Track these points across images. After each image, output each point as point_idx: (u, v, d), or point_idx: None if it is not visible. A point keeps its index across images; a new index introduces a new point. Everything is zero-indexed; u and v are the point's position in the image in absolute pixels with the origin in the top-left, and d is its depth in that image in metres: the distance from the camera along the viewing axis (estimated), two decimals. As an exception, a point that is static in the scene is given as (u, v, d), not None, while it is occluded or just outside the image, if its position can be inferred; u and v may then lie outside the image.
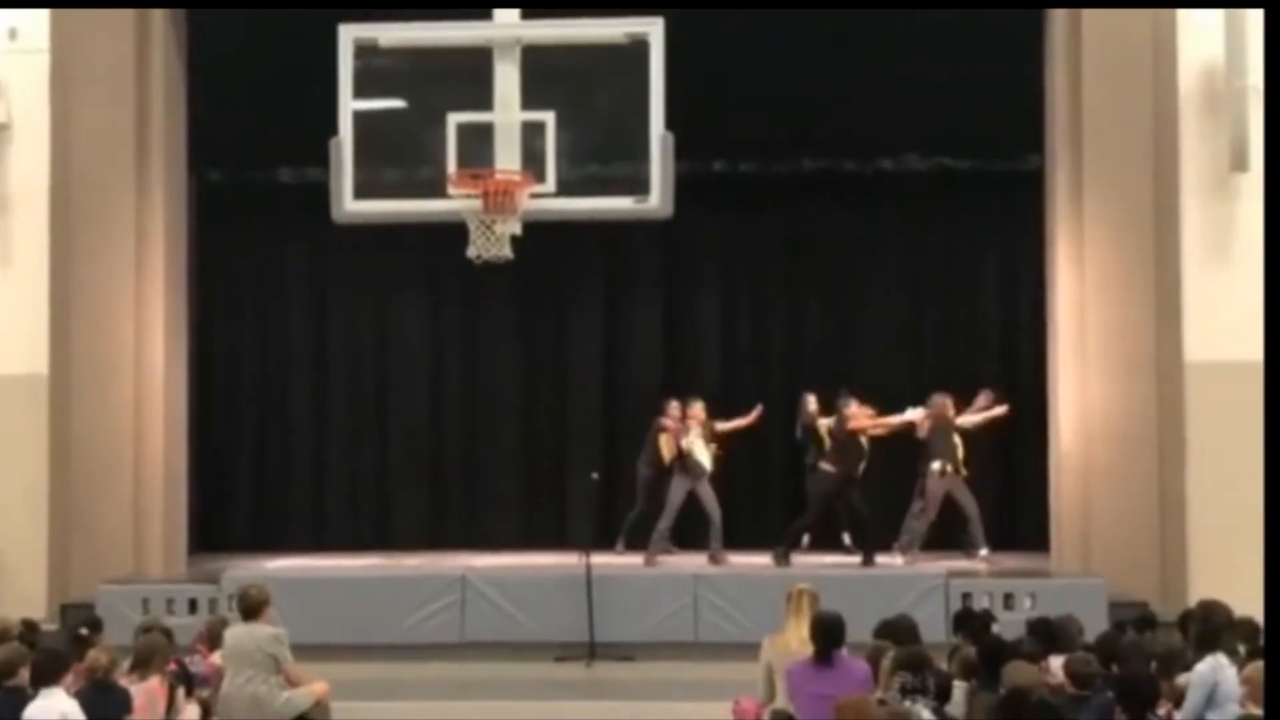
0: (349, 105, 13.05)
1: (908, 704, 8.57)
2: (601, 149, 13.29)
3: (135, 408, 15.95)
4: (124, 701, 10.25)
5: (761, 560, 16.15)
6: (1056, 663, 10.18)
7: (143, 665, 11.02)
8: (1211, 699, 9.20)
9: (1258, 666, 8.36)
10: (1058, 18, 15.88)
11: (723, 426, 16.92)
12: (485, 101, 13.02)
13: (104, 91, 15.93)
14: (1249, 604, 10.26)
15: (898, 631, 10.41)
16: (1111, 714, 8.66)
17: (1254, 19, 15.37)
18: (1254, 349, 15.11)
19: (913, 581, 14.84)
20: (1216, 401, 15.46)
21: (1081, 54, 15.67)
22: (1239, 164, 15.42)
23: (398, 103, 13.34)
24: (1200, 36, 15.65)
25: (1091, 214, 15.65)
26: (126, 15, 15.99)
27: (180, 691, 11.25)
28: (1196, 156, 15.73)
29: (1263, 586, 9.66)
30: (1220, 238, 15.73)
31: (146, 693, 10.76)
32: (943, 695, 8.95)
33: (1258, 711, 7.60)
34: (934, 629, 12.76)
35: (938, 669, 9.28)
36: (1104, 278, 15.61)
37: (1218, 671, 9.30)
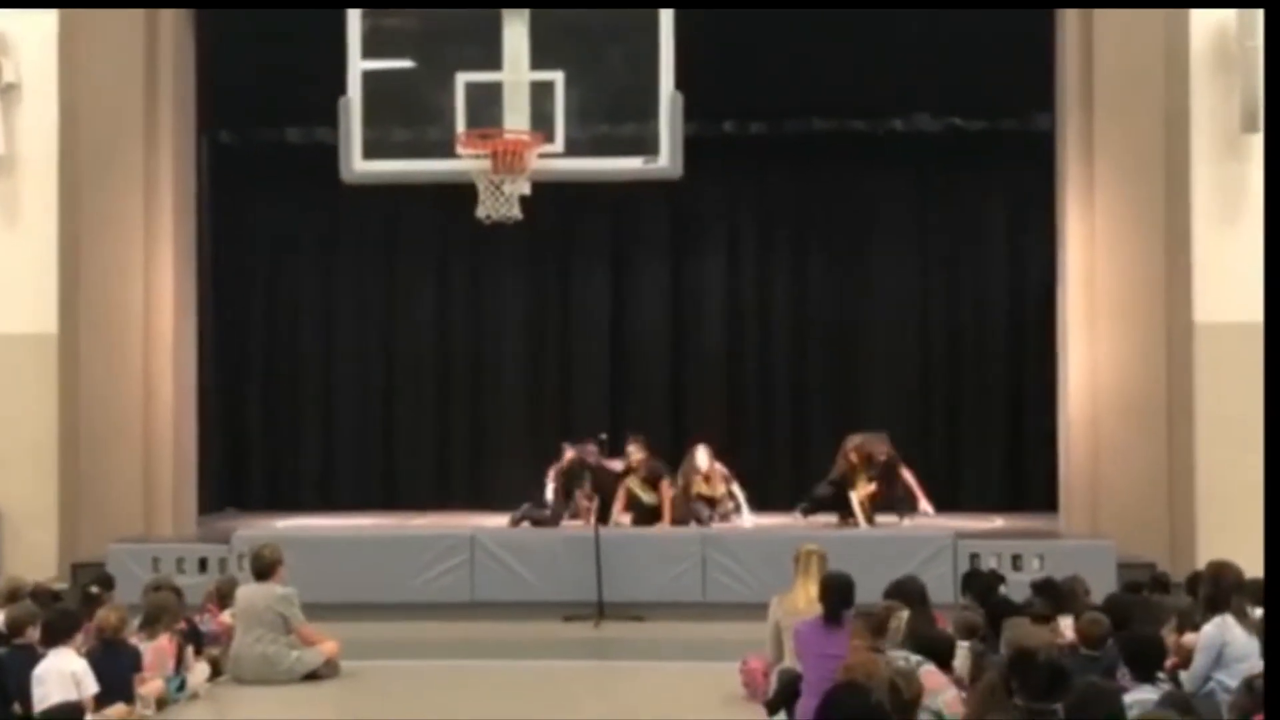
0: (358, 65, 13.07)
1: (890, 653, 8.60)
2: (611, 109, 13.30)
3: (145, 367, 15.98)
4: (134, 660, 10.33)
5: (768, 521, 16.22)
6: (1065, 623, 10.20)
7: (152, 624, 11.10)
8: (1220, 659, 9.21)
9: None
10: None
11: None
12: (494, 61, 13.02)
13: (113, 51, 15.90)
14: (1259, 565, 10.25)
15: (906, 593, 10.42)
16: (1115, 674, 8.68)
17: (1267, -21, 15.30)
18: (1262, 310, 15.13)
19: (921, 542, 14.85)
20: (1226, 362, 15.43)
21: (1093, 14, 15.61)
22: (1250, 125, 15.35)
23: (407, 63, 13.35)
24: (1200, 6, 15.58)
25: (1102, 174, 15.61)
26: (136, -24, 15.98)
27: (189, 650, 11.33)
28: (1207, 117, 15.67)
29: (1263, 569, 9.63)
30: (1231, 199, 15.68)
31: (156, 651, 10.83)
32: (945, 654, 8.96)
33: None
34: (942, 590, 12.78)
35: (923, 617, 9.35)
36: (1114, 238, 15.57)
37: (1225, 632, 9.31)
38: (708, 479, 16.41)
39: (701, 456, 16.46)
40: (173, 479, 16.16)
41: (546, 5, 13.06)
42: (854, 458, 15.95)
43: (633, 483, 16.38)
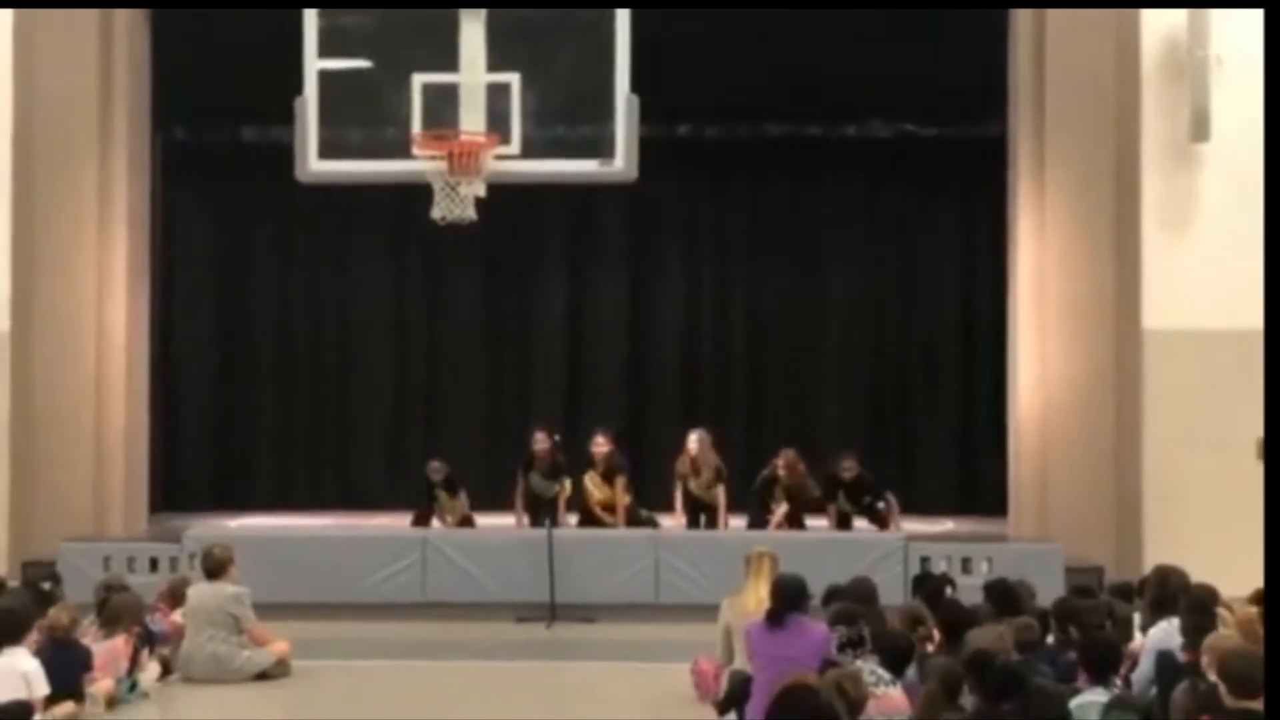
0: (314, 65, 13.03)
1: (857, 663, 8.65)
2: (567, 111, 13.30)
3: (97, 366, 15.92)
4: (84, 659, 10.29)
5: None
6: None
7: (111, 623, 11.07)
8: (1166, 662, 9.28)
9: (1223, 636, 8.41)
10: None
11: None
12: (451, 62, 13.01)
13: (67, 50, 15.82)
14: (1203, 569, 10.37)
15: (857, 594, 10.49)
16: (1073, 676, 8.76)
17: (1215, -9, 15.47)
18: (1211, 317, 15.36)
19: (872, 545, 14.96)
20: (1174, 369, 15.59)
21: (1045, 22, 15.74)
22: (1199, 134, 15.51)
23: (363, 63, 13.32)
24: (1163, 6, 15.70)
25: (1053, 182, 15.74)
26: (91, -27, 15.92)
27: (145, 651, 11.31)
28: (1157, 126, 15.81)
29: (1263, 583, 9.72)
30: (1180, 207, 15.82)
31: (109, 651, 10.80)
32: (883, 645, 9.00)
33: (1212, 679, 7.65)
34: (893, 592, 12.85)
35: (874, 617, 9.40)
36: (1064, 245, 15.70)
37: (1171, 637, 9.38)
38: (695, 467, 16.17)
39: (690, 440, 16.29)
40: (124, 477, 16.11)
41: (502, 5, 13.07)
42: (781, 472, 16.13)
43: (591, 483, 16.39)
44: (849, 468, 16.25)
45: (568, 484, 16.33)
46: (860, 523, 16.29)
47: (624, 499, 16.23)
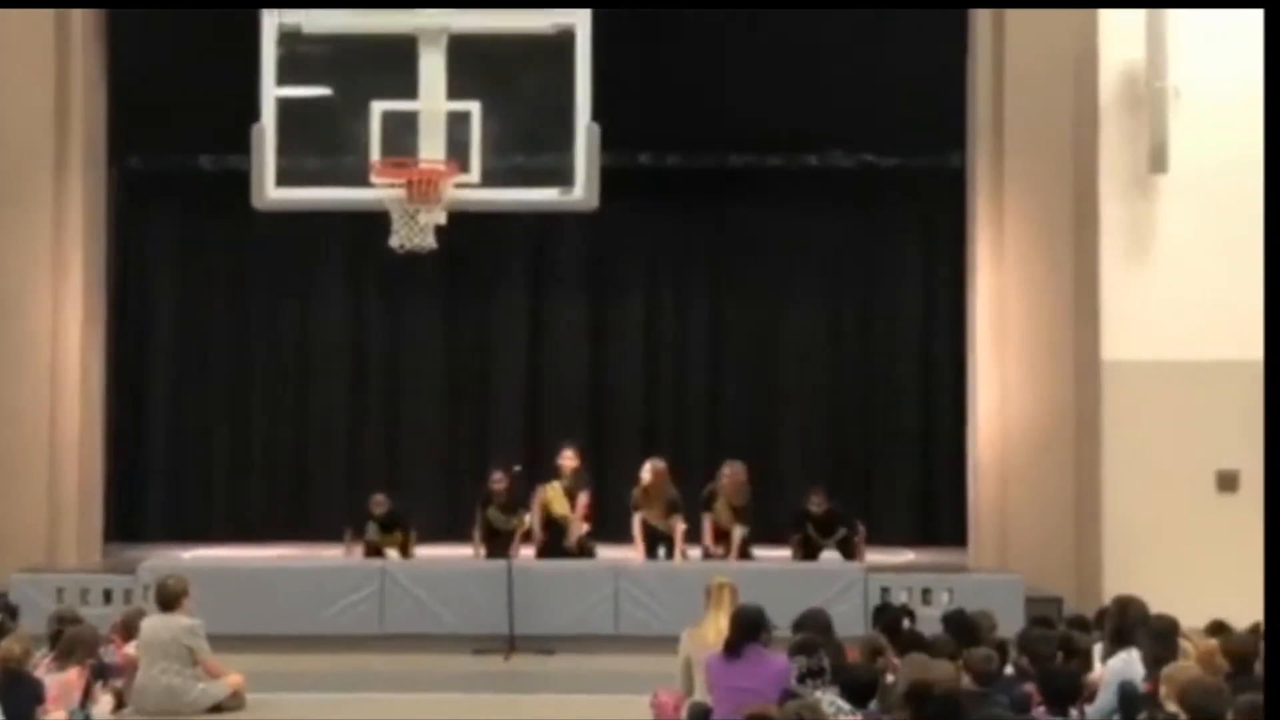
0: (272, 92, 12.94)
1: (816, 694, 8.60)
2: (527, 139, 13.26)
3: (51, 395, 15.78)
4: (36, 693, 10.16)
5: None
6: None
7: (65, 656, 10.94)
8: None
9: (1181, 667, 8.42)
10: (981, 16, 16.00)
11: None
12: (410, 90, 12.95)
13: (22, 77, 15.74)
14: (1162, 600, 10.38)
15: (813, 625, 10.43)
16: (1028, 707, 8.74)
17: (1174, 21, 15.55)
18: (1169, 348, 15.44)
19: (833, 576, 14.92)
20: (1132, 400, 15.64)
21: (1004, 53, 15.81)
22: (1157, 165, 15.60)
23: (321, 90, 13.25)
24: (1121, 38, 15.80)
25: (1012, 212, 15.78)
26: (46, -3, 15.84)
27: (98, 684, 11.18)
28: (1115, 157, 15.90)
29: (1263, 591, 9.74)
30: (1138, 238, 15.89)
31: (62, 684, 10.67)
32: (846, 678, 8.95)
33: (1172, 709, 7.65)
34: (853, 623, 12.82)
35: (832, 646, 9.36)
36: (1023, 276, 15.75)
37: (1131, 667, 9.38)
38: (648, 497, 15.90)
39: (644, 470, 16.05)
40: (78, 508, 15.96)
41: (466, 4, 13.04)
42: (724, 481, 15.96)
43: (552, 493, 16.25)
44: (818, 503, 16.21)
45: (526, 518, 16.23)
46: (827, 553, 16.23)
47: (580, 522, 16.12)
